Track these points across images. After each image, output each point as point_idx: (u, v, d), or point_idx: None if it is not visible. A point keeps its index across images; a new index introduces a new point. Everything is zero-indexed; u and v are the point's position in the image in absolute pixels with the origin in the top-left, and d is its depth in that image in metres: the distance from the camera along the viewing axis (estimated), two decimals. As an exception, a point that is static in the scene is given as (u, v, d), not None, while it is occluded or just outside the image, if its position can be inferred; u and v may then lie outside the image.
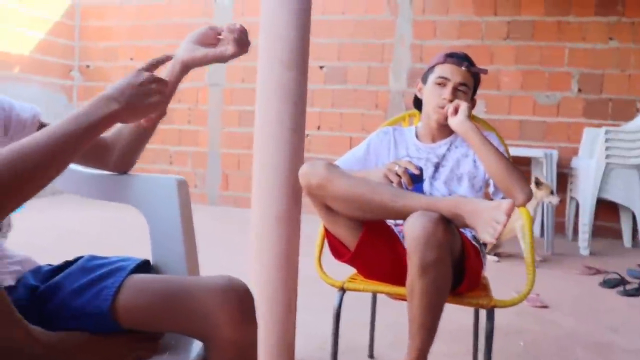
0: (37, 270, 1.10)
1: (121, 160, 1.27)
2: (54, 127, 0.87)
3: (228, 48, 1.21)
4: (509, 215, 1.35)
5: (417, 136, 2.05)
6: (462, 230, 1.75)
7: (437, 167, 1.95)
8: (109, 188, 1.29)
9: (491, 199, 1.98)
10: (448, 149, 1.98)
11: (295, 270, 2.00)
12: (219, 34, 1.26)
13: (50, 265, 1.11)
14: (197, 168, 6.33)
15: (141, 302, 0.98)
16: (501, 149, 1.92)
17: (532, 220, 2.26)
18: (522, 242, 3.81)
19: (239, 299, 0.97)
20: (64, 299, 0.98)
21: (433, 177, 1.93)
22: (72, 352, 0.92)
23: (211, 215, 5.56)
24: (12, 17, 5.98)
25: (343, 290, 1.71)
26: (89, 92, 6.68)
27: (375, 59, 5.62)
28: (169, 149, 6.41)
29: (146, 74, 0.99)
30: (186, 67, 1.26)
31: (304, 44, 2.02)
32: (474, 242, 1.77)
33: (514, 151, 4.10)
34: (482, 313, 1.81)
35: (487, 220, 1.38)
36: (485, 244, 1.90)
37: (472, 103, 1.99)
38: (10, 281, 1.03)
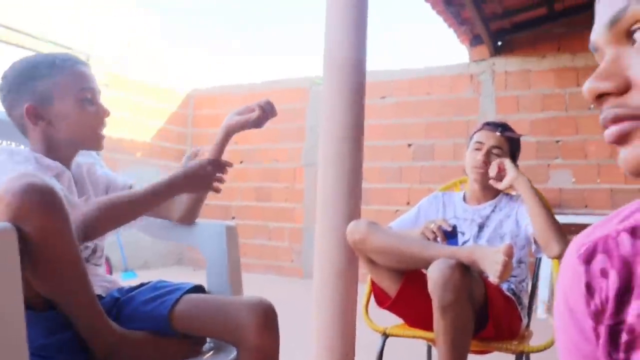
0: (121, 288, 1.46)
1: (185, 215, 1.63)
2: (140, 190, 1.28)
3: (255, 114, 1.56)
4: (508, 256, 1.53)
5: (464, 199, 2.26)
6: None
7: (481, 227, 2.14)
8: (178, 232, 1.66)
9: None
10: (492, 211, 2.17)
11: (352, 322, 2.23)
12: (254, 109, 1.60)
13: (130, 286, 1.46)
14: (294, 243, 6.71)
15: (192, 313, 1.30)
16: None
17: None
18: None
19: (265, 312, 1.27)
20: (136, 307, 1.32)
21: (477, 236, 2.12)
22: (137, 344, 1.24)
23: (304, 287, 5.85)
24: (137, 109, 6.88)
25: (385, 335, 1.92)
26: (198, 174, 7.35)
27: (461, 135, 5.84)
28: (268, 225, 6.86)
29: (210, 167, 1.40)
30: (228, 133, 1.64)
31: (358, 123, 2.31)
32: (508, 294, 1.93)
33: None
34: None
35: (490, 263, 1.57)
36: (520, 299, 2.03)
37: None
38: (100, 291, 1.40)
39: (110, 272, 5.49)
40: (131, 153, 6.81)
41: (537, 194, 1.96)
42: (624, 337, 0.57)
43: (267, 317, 1.27)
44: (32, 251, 1.02)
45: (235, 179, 7.13)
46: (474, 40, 5.87)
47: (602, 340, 0.59)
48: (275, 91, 6.97)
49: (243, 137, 7.06)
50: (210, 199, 7.21)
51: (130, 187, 1.59)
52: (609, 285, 0.59)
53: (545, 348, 1.77)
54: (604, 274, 0.60)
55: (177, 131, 7.42)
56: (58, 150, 1.39)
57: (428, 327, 1.89)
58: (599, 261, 0.61)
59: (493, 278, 1.56)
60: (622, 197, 5.19)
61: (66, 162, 1.42)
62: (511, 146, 2.18)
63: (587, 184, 5.32)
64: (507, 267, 1.54)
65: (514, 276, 2.02)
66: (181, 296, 1.32)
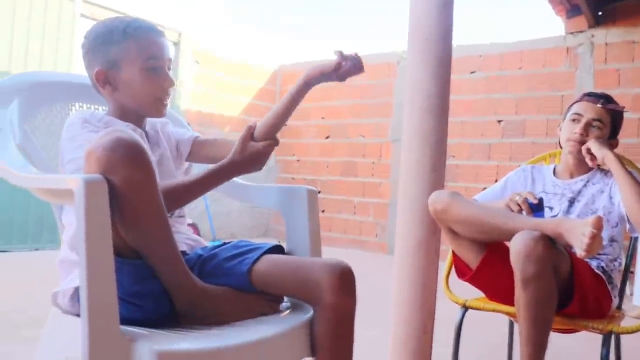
0: (205, 247, 1.52)
1: None
2: (205, 174, 1.39)
3: (343, 65, 1.51)
4: (596, 228, 1.46)
5: (555, 173, 2.17)
6: (586, 260, 1.85)
7: (572, 202, 2.05)
8: (259, 195, 1.71)
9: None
10: (585, 185, 2.07)
11: (432, 295, 2.20)
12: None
13: (214, 244, 1.51)
14: (379, 218, 6.70)
15: (271, 271, 1.34)
16: None
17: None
18: None
19: (341, 273, 1.28)
20: (218, 264, 1.38)
21: (568, 211, 2.03)
22: (218, 298, 1.29)
23: (387, 262, 5.84)
24: (226, 85, 7.08)
25: (465, 307, 1.89)
26: (285, 148, 7.47)
27: (555, 111, 5.59)
28: (353, 200, 6.89)
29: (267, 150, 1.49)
30: (307, 82, 1.57)
31: (443, 94, 2.26)
32: (597, 271, 1.84)
33: None
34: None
35: (577, 236, 1.50)
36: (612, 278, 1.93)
37: (613, 143, 2.08)
38: (185, 248, 1.47)
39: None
40: (220, 128, 7.02)
41: (630, 172, 1.86)
42: None
43: (344, 277, 1.28)
44: (120, 202, 1.09)
45: (322, 154, 7.20)
46: (571, 11, 5.57)
47: None
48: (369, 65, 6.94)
49: (330, 112, 7.13)
50: (297, 172, 7.34)
51: (197, 138, 1.67)
52: None
53: (638, 330, 1.68)
54: None
55: (265, 106, 7.56)
56: (129, 113, 1.46)
57: (509, 301, 1.84)
58: None
59: (580, 251, 1.49)
60: None
61: (138, 123, 1.48)
62: (613, 120, 2.06)
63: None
64: (595, 240, 1.47)
65: (605, 254, 1.93)
66: (261, 255, 1.36)
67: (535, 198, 1.85)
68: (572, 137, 2.03)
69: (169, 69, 1.49)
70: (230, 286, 1.33)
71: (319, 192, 7.11)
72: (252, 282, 1.33)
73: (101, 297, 1.02)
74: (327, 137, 7.19)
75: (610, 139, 2.08)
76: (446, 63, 2.29)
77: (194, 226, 5.47)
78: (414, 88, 2.29)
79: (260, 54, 7.53)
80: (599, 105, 2.03)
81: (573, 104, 2.12)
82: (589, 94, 2.10)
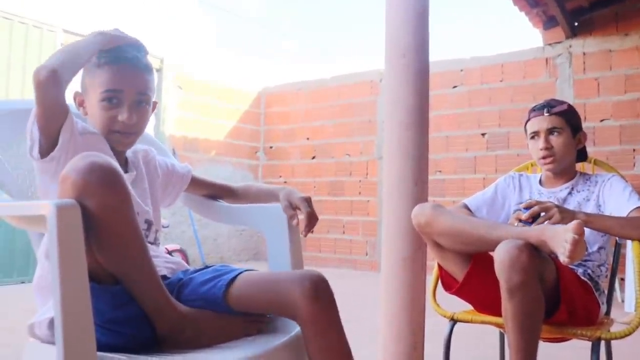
0: (186, 270, 1.50)
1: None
2: None
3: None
4: (578, 234, 1.45)
5: (540, 182, 2.18)
6: (572, 267, 1.85)
7: (558, 210, 2.05)
8: (240, 215, 1.70)
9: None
10: (570, 193, 2.07)
11: (421, 311, 2.19)
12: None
13: (195, 268, 1.50)
14: (368, 236, 6.69)
15: (245, 291, 1.32)
16: (627, 189, 1.96)
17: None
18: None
19: (312, 282, 1.26)
20: (193, 288, 1.36)
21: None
22: (199, 321, 1.27)
23: (378, 280, 5.81)
24: (210, 109, 7.09)
25: (454, 320, 1.88)
26: (271, 169, 7.48)
27: (537, 121, 5.61)
28: (342, 219, 6.87)
29: None
30: None
31: (422, 108, 2.27)
32: (584, 278, 1.84)
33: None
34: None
35: (560, 242, 1.49)
36: (598, 284, 1.93)
37: (581, 138, 2.10)
38: (165, 272, 1.44)
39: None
40: (206, 152, 7.00)
41: (603, 216, 1.86)
42: None
43: (315, 286, 1.25)
44: (96, 227, 1.07)
45: (309, 174, 7.20)
46: (548, 23, 5.65)
47: None
48: (345, 85, 6.98)
49: (315, 132, 7.16)
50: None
51: (193, 176, 1.71)
52: None
53: (625, 335, 1.67)
54: None
55: (250, 129, 7.57)
56: None
57: (497, 312, 1.82)
58: None
59: (563, 258, 1.48)
60: None
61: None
62: (567, 119, 2.07)
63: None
64: (577, 246, 1.46)
65: (592, 260, 1.93)
66: (236, 276, 1.34)
67: (524, 216, 1.82)
68: (539, 156, 2.05)
69: (143, 102, 1.44)
70: (209, 310, 1.32)
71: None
72: (229, 305, 1.32)
73: (77, 326, 1.00)
74: (313, 158, 7.19)
75: (577, 135, 2.08)
76: (424, 77, 2.30)
77: (182, 252, 5.42)
78: (393, 103, 2.30)
79: (244, 77, 7.54)
80: (546, 115, 2.04)
81: (526, 123, 2.14)
82: (533, 109, 2.12)
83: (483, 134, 5.97)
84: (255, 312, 1.37)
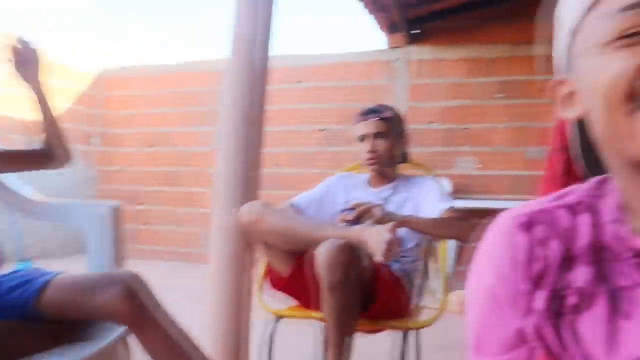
0: None
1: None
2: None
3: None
4: (391, 235, 1.55)
5: (367, 182, 2.28)
6: (391, 263, 1.96)
7: (382, 209, 2.15)
8: (56, 212, 1.58)
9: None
10: (392, 193, 2.19)
11: (249, 305, 2.19)
12: None
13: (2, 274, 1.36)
14: (204, 229, 6.59)
15: (59, 296, 1.23)
16: (441, 191, 2.12)
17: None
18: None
19: (127, 283, 1.22)
20: (1, 294, 1.23)
21: (378, 218, 2.13)
22: (2, 333, 1.15)
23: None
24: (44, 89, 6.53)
25: (278, 316, 1.91)
26: (106, 157, 7.10)
27: (374, 121, 5.89)
28: (178, 211, 6.71)
29: None
30: None
31: (260, 103, 2.27)
32: (399, 273, 1.96)
33: (509, 205, 4.25)
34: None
35: (376, 242, 1.59)
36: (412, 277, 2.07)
37: (405, 141, 2.25)
38: None
39: None
40: (35, 135, 6.46)
41: (422, 220, 1.98)
42: (572, 300, 0.62)
43: (130, 287, 1.22)
44: None
45: (146, 163, 6.93)
46: (392, 28, 5.92)
47: (540, 304, 0.63)
48: (190, 73, 6.81)
49: (157, 119, 6.89)
50: (119, 183, 6.98)
51: None
52: (551, 253, 0.65)
53: (428, 324, 1.81)
54: (545, 242, 0.66)
55: (87, 112, 7.11)
56: None
57: (321, 307, 1.89)
58: (540, 230, 0.66)
59: (379, 256, 1.57)
60: (523, 182, 5.41)
61: None
62: (393, 125, 2.19)
63: (491, 171, 5.52)
64: (391, 245, 1.56)
65: (407, 257, 2.06)
66: (48, 281, 1.25)
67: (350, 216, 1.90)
68: (365, 157, 2.16)
69: None
70: (17, 320, 1.21)
71: (141, 203, 6.83)
72: (41, 312, 1.22)
73: None
74: (152, 146, 6.94)
75: (400, 139, 2.22)
76: (264, 72, 2.30)
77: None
78: (231, 95, 2.27)
79: (84, 57, 7.06)
80: (373, 120, 2.16)
81: (355, 126, 2.23)
82: (361, 113, 2.23)
83: (322, 130, 6.14)
84: (71, 318, 1.27)
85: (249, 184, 2.22)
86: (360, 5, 5.38)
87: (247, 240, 2.15)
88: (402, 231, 2.06)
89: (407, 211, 2.12)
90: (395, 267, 1.98)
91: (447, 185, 5.08)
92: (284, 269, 1.88)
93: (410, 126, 5.55)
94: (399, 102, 5.80)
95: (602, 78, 0.60)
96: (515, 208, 0.71)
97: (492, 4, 5.45)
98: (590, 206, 0.67)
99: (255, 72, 2.29)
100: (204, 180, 6.63)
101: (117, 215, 1.51)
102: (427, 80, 5.80)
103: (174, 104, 6.81)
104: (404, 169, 2.35)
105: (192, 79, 6.78)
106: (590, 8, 0.64)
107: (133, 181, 6.96)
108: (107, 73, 7.33)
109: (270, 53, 2.29)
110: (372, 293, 1.76)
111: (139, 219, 6.75)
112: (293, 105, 6.22)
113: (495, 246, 0.69)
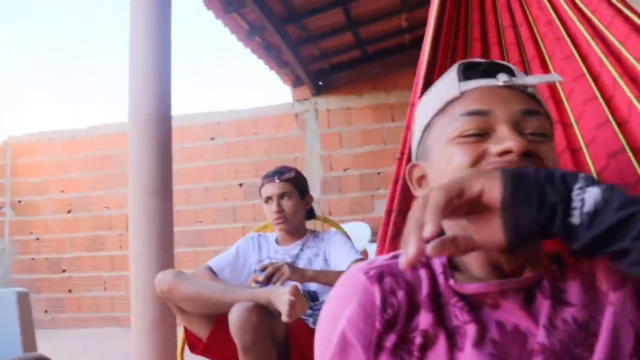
0: None
1: None
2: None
3: None
4: (294, 296, 1.67)
5: (276, 241, 2.38)
6: (304, 317, 2.06)
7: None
8: None
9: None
10: (301, 249, 2.32)
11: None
12: None
13: None
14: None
15: None
16: (347, 244, 2.26)
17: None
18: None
19: None
20: None
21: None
22: None
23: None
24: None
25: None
26: (21, 226, 6.87)
27: (290, 171, 6.04)
28: (103, 275, 6.57)
29: None
30: None
31: (166, 175, 2.36)
32: (313, 326, 2.06)
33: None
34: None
35: (281, 302, 1.70)
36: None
37: (308, 200, 2.38)
38: None
39: None
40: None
41: (327, 273, 2.12)
42: (418, 340, 0.74)
43: None
44: None
45: (64, 230, 6.77)
46: (297, 81, 6.16)
47: (390, 345, 0.74)
48: (100, 136, 6.76)
49: (71, 184, 6.77)
50: (38, 252, 6.76)
51: None
52: (399, 302, 0.77)
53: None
54: (393, 292, 0.78)
55: (-5, 183, 6.90)
56: None
57: (240, 368, 1.97)
58: (389, 282, 0.79)
59: (284, 317, 1.67)
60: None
61: None
62: (296, 185, 2.34)
63: (406, 211, 5.74)
64: (294, 306, 1.67)
65: (320, 309, 2.16)
66: None
67: (261, 278, 2.00)
68: (273, 218, 2.29)
69: None
70: None
71: (64, 270, 6.64)
72: None
73: None
74: (69, 212, 6.79)
75: (304, 198, 2.36)
76: (167, 145, 2.40)
77: None
78: (135, 168, 2.35)
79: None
80: (277, 182, 2.30)
81: (260, 188, 2.37)
82: (266, 176, 2.38)
83: (240, 185, 6.23)
84: None
85: (163, 253, 2.29)
86: (261, 62, 5.60)
87: (168, 306, 2.20)
88: (315, 285, 2.18)
89: (317, 266, 2.25)
90: (310, 321, 2.08)
91: (367, 229, 5.26)
92: (202, 333, 1.95)
93: (326, 174, 5.83)
94: (313, 151, 6.00)
95: (448, 167, 0.80)
96: (361, 264, 0.84)
97: (390, 54, 5.81)
98: (426, 263, 0.82)
99: (159, 145, 2.37)
100: (127, 243, 6.53)
101: (23, 301, 1.54)
102: (337, 129, 6.03)
103: (89, 168, 6.72)
104: (314, 225, 2.48)
105: (104, 142, 6.74)
106: (441, 110, 0.85)
107: (53, 249, 6.76)
108: (13, 140, 7.15)
109: (170, 126, 2.39)
110: (287, 349, 1.86)
111: (63, 287, 6.56)
112: (210, 162, 6.29)
113: (349, 297, 0.80)
